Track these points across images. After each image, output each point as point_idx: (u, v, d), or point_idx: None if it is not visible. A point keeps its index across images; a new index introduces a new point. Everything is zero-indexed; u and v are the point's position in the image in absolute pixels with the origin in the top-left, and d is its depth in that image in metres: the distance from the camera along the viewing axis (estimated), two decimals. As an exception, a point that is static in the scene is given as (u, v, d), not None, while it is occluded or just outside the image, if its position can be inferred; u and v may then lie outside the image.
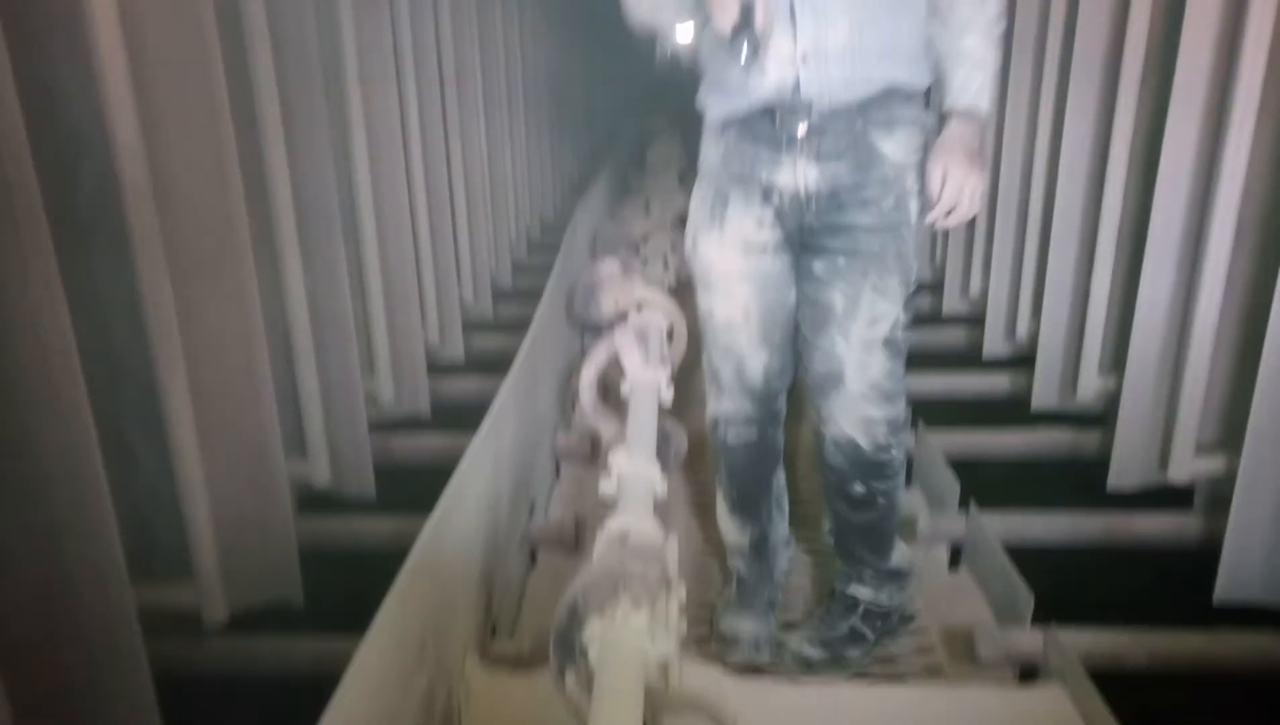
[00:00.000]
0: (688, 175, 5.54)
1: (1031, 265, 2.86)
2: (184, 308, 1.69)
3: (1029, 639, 1.82)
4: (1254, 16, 1.97)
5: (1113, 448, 2.37)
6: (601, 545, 1.33)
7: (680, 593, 1.19)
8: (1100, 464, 2.43)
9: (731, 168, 1.71)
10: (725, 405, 1.87)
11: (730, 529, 2.00)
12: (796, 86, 1.59)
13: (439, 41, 3.06)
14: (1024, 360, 2.94)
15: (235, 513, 1.81)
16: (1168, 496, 2.35)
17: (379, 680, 1.10)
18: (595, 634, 1.12)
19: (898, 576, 1.92)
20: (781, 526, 2.01)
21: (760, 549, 1.98)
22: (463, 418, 1.80)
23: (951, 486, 2.33)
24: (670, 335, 2.39)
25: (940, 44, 1.64)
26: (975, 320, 3.26)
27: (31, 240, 1.26)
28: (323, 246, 2.17)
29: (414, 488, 1.71)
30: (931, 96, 1.70)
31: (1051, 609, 1.81)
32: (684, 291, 2.99)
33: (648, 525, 1.39)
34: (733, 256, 1.75)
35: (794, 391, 1.91)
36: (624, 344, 2.12)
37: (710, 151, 1.76)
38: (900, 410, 1.76)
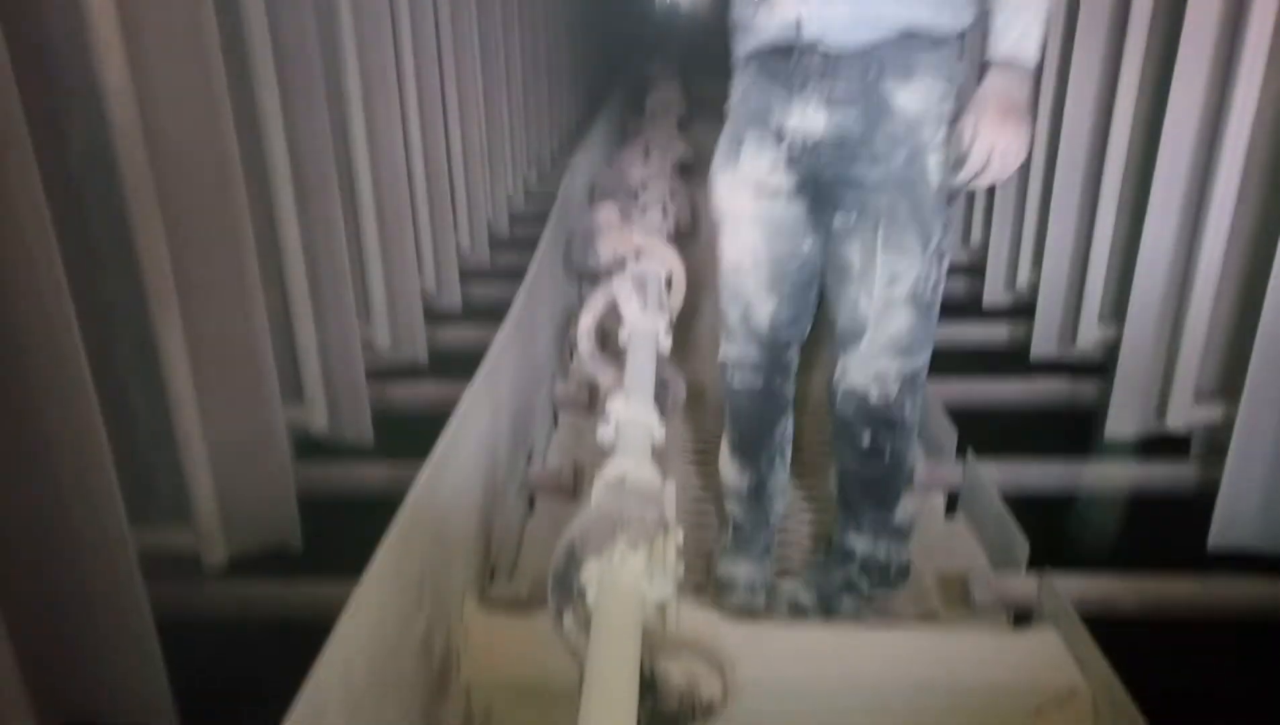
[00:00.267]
0: (687, 121, 5.49)
1: (1034, 214, 2.84)
2: (178, 253, 1.68)
3: (1023, 584, 1.84)
4: (1265, -38, 1.93)
5: (1111, 396, 2.37)
6: (599, 489, 1.33)
7: (678, 536, 1.20)
8: (1098, 413, 2.44)
9: (749, 105, 1.68)
10: (732, 350, 1.87)
11: (729, 472, 2.00)
12: (799, 24, 1.55)
13: (434, -17, 3.00)
14: (1024, 310, 2.93)
15: (233, 457, 1.81)
16: (1165, 445, 2.36)
17: (377, 621, 1.11)
18: (593, 576, 1.13)
19: (898, 532, 1.92)
20: (782, 475, 2.01)
21: (757, 494, 1.98)
22: (460, 366, 1.79)
23: (949, 435, 2.34)
24: (669, 283, 2.38)
25: None
26: (975, 270, 3.24)
27: (23, 188, 1.24)
28: (317, 191, 2.15)
29: (412, 435, 1.71)
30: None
31: (1047, 556, 1.82)
32: (683, 239, 2.97)
33: (645, 470, 1.39)
34: (744, 198, 1.73)
35: (807, 339, 1.90)
36: (622, 291, 2.10)
37: (735, 89, 1.73)
38: (919, 365, 1.74)
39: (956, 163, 1.57)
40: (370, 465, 2.27)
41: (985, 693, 1.51)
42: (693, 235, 3.36)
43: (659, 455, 1.51)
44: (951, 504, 2.27)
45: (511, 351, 2.06)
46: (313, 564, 1.90)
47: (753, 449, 1.95)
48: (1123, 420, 2.37)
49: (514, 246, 3.66)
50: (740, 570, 1.97)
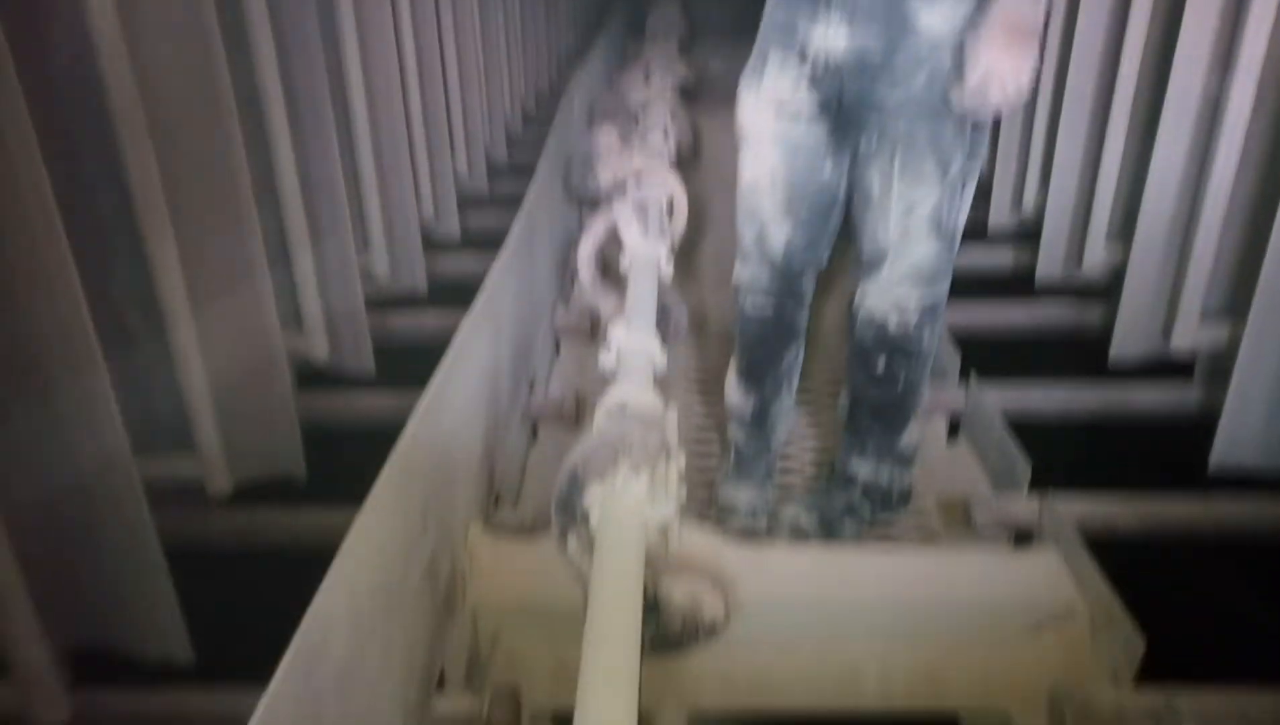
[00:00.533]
0: (688, 43, 5.36)
1: (1041, 135, 2.79)
2: (170, 181, 1.65)
3: (1024, 507, 1.85)
4: None
5: (1116, 319, 2.35)
6: (601, 415, 1.32)
7: (680, 460, 1.20)
8: (1102, 338, 2.43)
9: (776, 18, 1.65)
10: (744, 272, 1.85)
11: (734, 395, 2.00)
12: None
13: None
14: (1029, 233, 2.90)
15: (234, 386, 1.81)
16: (1168, 369, 2.36)
17: (380, 546, 1.11)
18: (596, 499, 1.13)
19: (902, 458, 1.93)
20: (786, 401, 2.01)
21: (759, 419, 1.98)
22: (460, 295, 1.77)
23: (952, 359, 2.33)
24: (670, 208, 2.34)
25: None
26: (980, 193, 3.19)
27: (10, 121, 1.21)
28: (312, 118, 2.10)
29: (413, 365, 1.70)
30: None
31: (1049, 480, 1.83)
32: (684, 164, 2.92)
33: (647, 397, 1.39)
34: (765, 117, 1.70)
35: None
36: (623, 217, 2.07)
37: (767, 3, 1.70)
38: (939, 294, 1.73)
39: (957, 88, 1.52)
40: (373, 394, 2.28)
41: (984, 612, 1.53)
42: (694, 161, 3.31)
43: (661, 382, 1.51)
44: (954, 428, 2.27)
45: (510, 279, 2.04)
46: (318, 493, 1.91)
47: (759, 374, 1.95)
48: (1127, 343, 2.35)
49: (513, 173, 3.61)
50: (741, 495, 1.98)
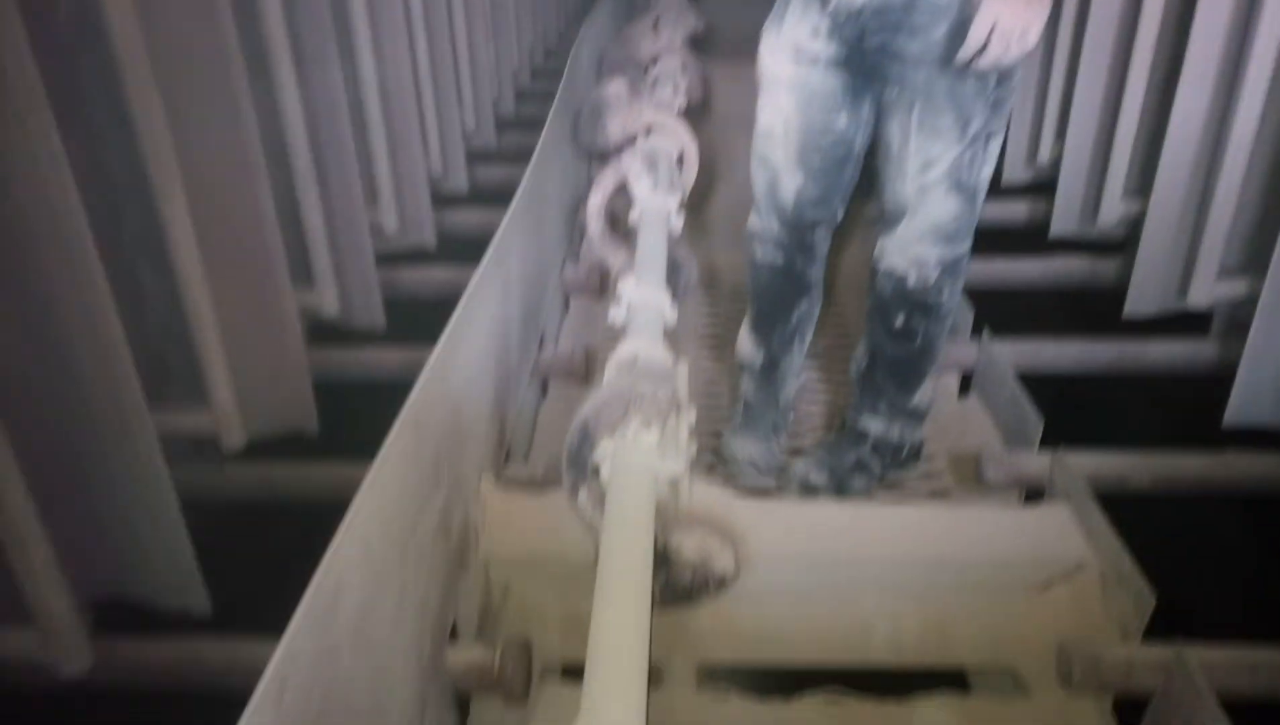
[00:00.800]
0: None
1: (1059, 85, 2.74)
2: (178, 134, 1.64)
3: (1036, 462, 1.84)
4: None
5: (1132, 273, 2.33)
6: (612, 369, 1.32)
7: (690, 415, 1.20)
8: (1117, 292, 2.40)
9: None
10: (756, 221, 1.85)
11: (745, 345, 2.00)
12: None
13: None
14: (1044, 186, 2.86)
15: (246, 340, 1.81)
16: (1184, 323, 2.34)
17: (393, 498, 1.12)
18: (606, 453, 1.13)
19: (914, 414, 1.93)
20: (796, 357, 2.00)
21: (768, 373, 1.98)
22: (469, 250, 1.76)
23: (965, 314, 2.32)
24: (680, 161, 2.32)
25: None
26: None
27: (16, 70, 1.20)
28: (318, 72, 2.08)
29: (424, 320, 1.70)
30: None
31: (1061, 436, 1.82)
32: (694, 117, 2.88)
33: (658, 351, 1.38)
34: (783, 62, 1.68)
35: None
36: (632, 169, 2.05)
37: None
38: (960, 252, 1.71)
39: (959, 38, 1.49)
40: (384, 349, 2.28)
41: (994, 567, 1.53)
42: (705, 113, 3.26)
43: (671, 337, 1.50)
44: (966, 384, 2.26)
45: (519, 233, 2.03)
46: (330, 448, 1.92)
47: (768, 326, 1.94)
48: (1143, 297, 2.33)
49: (521, 126, 3.58)
50: (744, 447, 1.99)
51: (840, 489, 1.92)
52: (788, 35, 1.66)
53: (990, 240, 2.82)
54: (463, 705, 1.36)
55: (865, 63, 1.61)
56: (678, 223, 1.99)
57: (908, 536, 1.57)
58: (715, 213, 3.12)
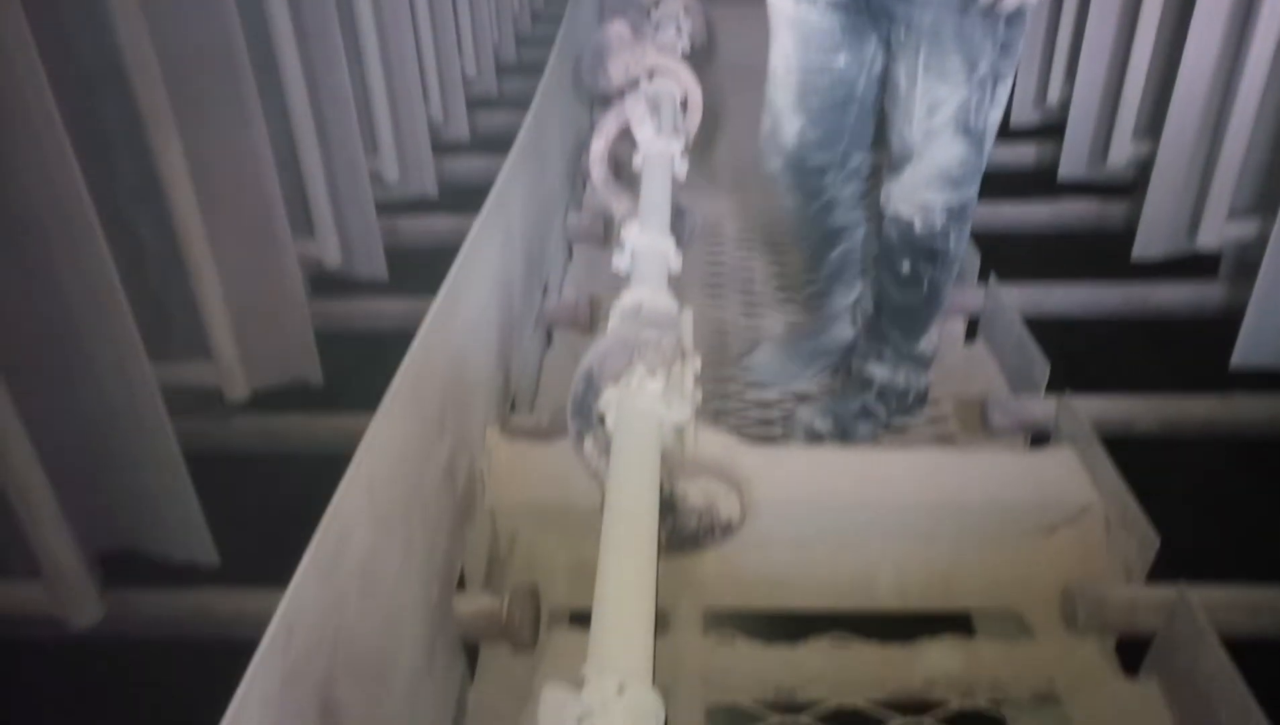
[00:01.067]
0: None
1: (1069, 24, 2.68)
2: (173, 84, 1.61)
3: (1041, 406, 1.84)
4: None
5: (1141, 215, 2.30)
6: (616, 317, 1.31)
7: (695, 362, 1.19)
8: (1125, 236, 2.38)
9: None
10: (768, 163, 1.85)
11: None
12: None
13: None
14: (1052, 129, 2.81)
15: (248, 292, 1.81)
16: (1192, 267, 2.32)
17: (399, 446, 1.12)
18: (612, 401, 1.13)
19: (919, 360, 1.92)
20: (840, 301, 2.03)
21: (817, 303, 2.01)
22: (471, 199, 1.74)
23: (971, 259, 2.29)
24: (684, 105, 2.27)
25: None
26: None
27: (7, 22, 1.17)
28: (317, 18, 2.04)
29: (426, 270, 1.69)
30: None
31: (1069, 381, 1.81)
32: (698, 60, 2.83)
33: (662, 297, 1.37)
34: (786, 0, 1.66)
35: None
36: (635, 113, 2.01)
37: None
38: (967, 197, 1.69)
39: None
40: (386, 300, 2.27)
41: (999, 511, 1.53)
42: (709, 56, 3.20)
43: (676, 284, 1.49)
44: (973, 330, 2.25)
45: (521, 180, 2.00)
46: (334, 399, 1.92)
47: (812, 266, 2.01)
48: (1152, 240, 2.31)
49: (522, 72, 3.52)
50: (764, 359, 2.07)
51: (845, 435, 1.92)
52: None
53: (997, 184, 2.79)
54: (471, 653, 1.37)
55: (872, 3, 1.58)
56: (682, 168, 1.96)
57: (912, 481, 1.57)
58: (720, 158, 3.08)
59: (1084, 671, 1.36)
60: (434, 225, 2.57)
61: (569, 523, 1.47)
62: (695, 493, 1.35)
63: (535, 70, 2.73)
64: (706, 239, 2.81)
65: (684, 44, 2.78)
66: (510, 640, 1.33)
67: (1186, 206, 2.26)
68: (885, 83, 1.67)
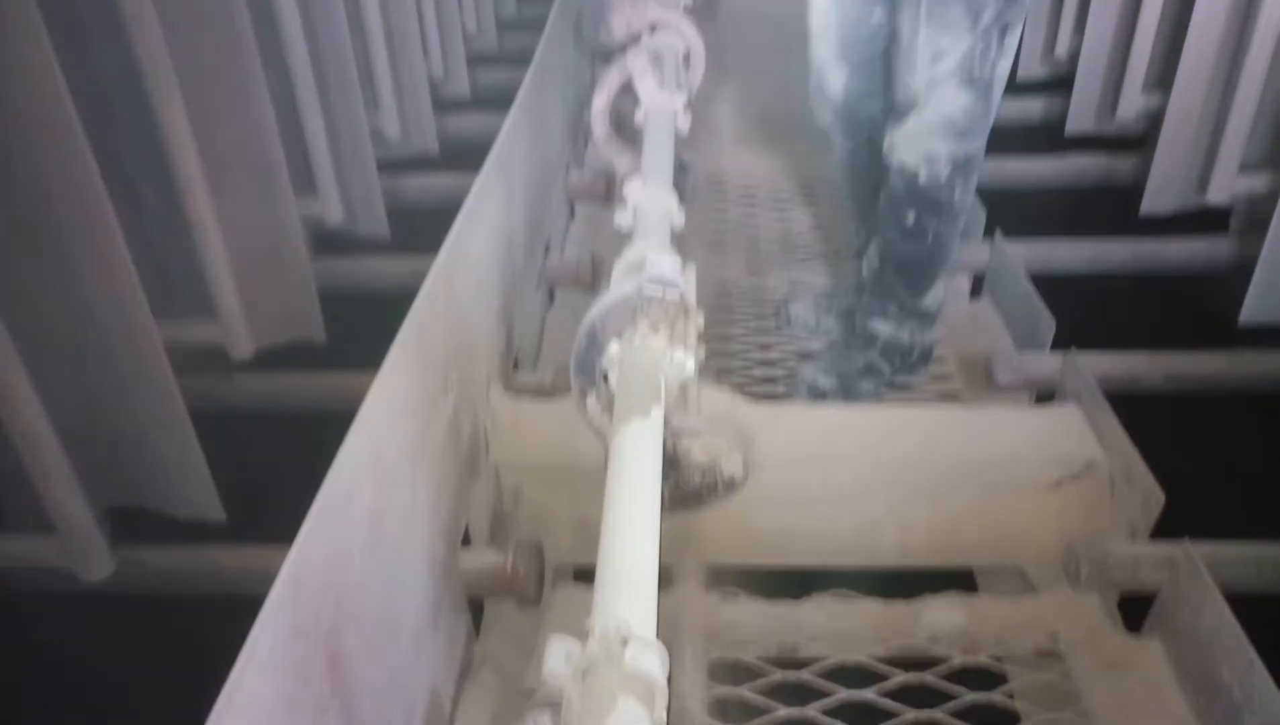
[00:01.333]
0: (705, -116, 5.03)
1: (1079, -26, 2.63)
2: (173, 42, 1.59)
3: (1047, 363, 1.83)
4: None
5: (1150, 169, 2.27)
6: (619, 272, 1.30)
7: (698, 318, 1.18)
8: (1134, 191, 2.35)
9: None
10: (819, 117, 1.90)
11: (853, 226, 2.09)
12: None
13: None
14: (1060, 82, 2.77)
15: (251, 251, 1.80)
16: (1201, 221, 2.29)
17: (403, 402, 1.12)
18: (615, 357, 1.12)
19: (924, 316, 1.91)
20: None
21: (861, 255, 2.02)
22: (473, 156, 1.72)
23: (977, 215, 2.27)
24: (687, 60, 2.24)
25: None
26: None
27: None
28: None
29: (428, 229, 1.68)
30: None
31: (1075, 337, 1.80)
32: (700, 13, 2.79)
33: (665, 253, 1.36)
34: None
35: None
36: (637, 68, 1.99)
37: None
38: (973, 149, 1.68)
39: None
40: (389, 259, 2.26)
41: (1003, 467, 1.53)
42: (711, 10, 3.16)
43: (679, 240, 1.48)
44: (978, 286, 2.24)
45: (522, 137, 1.98)
46: (338, 357, 1.92)
47: (861, 216, 2.03)
48: (1161, 194, 2.28)
49: (522, 27, 3.47)
50: (805, 306, 2.12)
51: (849, 393, 1.91)
52: None
53: (1004, 139, 2.76)
54: (476, 608, 1.38)
55: None
56: (685, 123, 1.94)
57: (915, 437, 1.56)
58: (722, 114, 3.05)
59: (1087, 628, 1.36)
60: (435, 183, 2.55)
61: (573, 479, 1.48)
62: (698, 449, 1.35)
63: (536, 25, 2.69)
64: (710, 193, 2.79)
65: (687, -2, 2.73)
66: (515, 595, 1.34)
67: (1197, 160, 2.23)
68: (893, 30, 1.65)
